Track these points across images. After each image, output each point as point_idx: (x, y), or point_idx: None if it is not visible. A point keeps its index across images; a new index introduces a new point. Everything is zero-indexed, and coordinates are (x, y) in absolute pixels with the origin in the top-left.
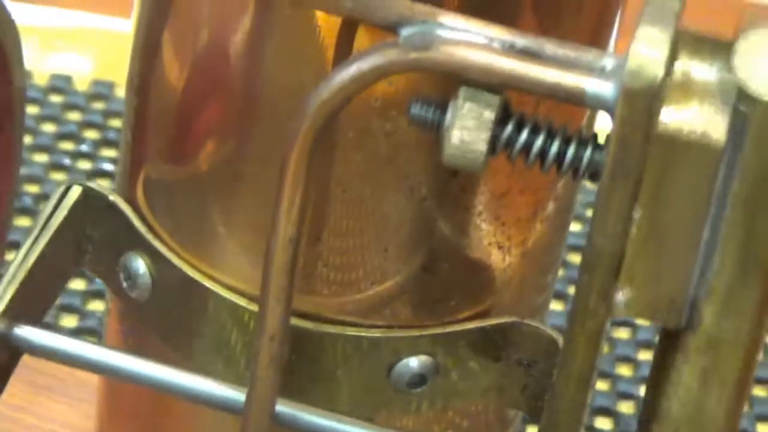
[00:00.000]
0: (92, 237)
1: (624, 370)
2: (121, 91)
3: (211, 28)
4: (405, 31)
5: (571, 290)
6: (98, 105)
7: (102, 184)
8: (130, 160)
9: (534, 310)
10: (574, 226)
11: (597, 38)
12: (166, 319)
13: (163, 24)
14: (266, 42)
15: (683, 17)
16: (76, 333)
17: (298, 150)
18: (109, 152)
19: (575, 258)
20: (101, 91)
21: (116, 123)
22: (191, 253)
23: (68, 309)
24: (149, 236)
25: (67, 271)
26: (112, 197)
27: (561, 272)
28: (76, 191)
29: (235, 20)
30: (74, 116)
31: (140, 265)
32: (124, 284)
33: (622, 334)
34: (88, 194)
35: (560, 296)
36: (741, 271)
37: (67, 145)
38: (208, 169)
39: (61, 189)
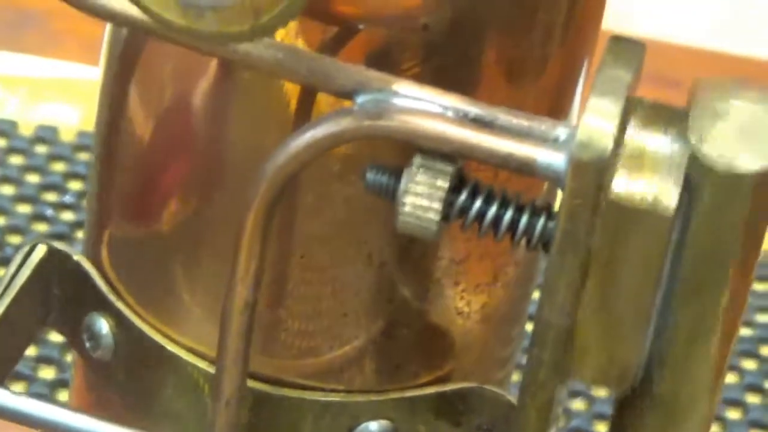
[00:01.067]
0: (57, 296)
1: (601, 428)
2: None
3: (174, 90)
4: (360, 99)
5: None
6: (83, 156)
7: (77, 238)
8: (95, 220)
9: (497, 374)
10: None
11: (558, 102)
12: (128, 379)
13: (127, 83)
14: (227, 105)
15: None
16: (54, 385)
17: (254, 216)
18: None
19: None
20: (87, 141)
21: None
22: (153, 315)
23: (46, 360)
24: (112, 297)
25: (31, 330)
26: (76, 257)
27: None
28: (40, 250)
29: (197, 83)
30: (59, 167)
31: (103, 325)
32: (87, 344)
33: (601, 391)
34: (52, 253)
35: None
36: (693, 340)
37: (51, 196)
38: (171, 232)
39: (26, 248)
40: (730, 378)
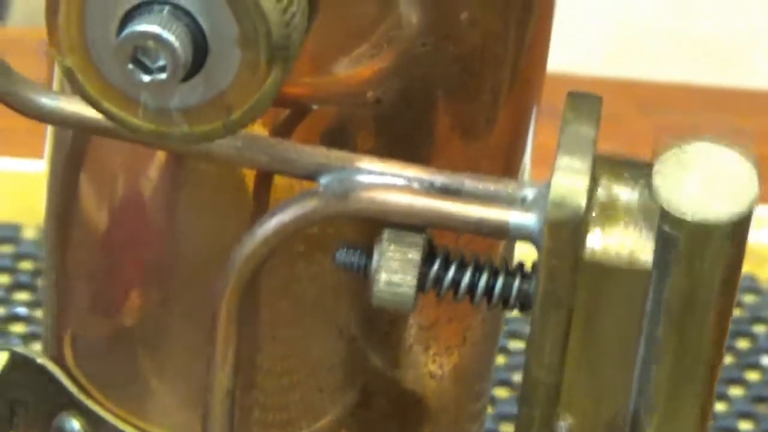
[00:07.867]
0: (23, 401)
1: None
2: (28, 233)
3: (128, 185)
4: (324, 179)
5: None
6: (6, 248)
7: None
8: (55, 319)
9: (470, 428)
10: None
11: (512, 156)
12: None
13: (78, 180)
14: (183, 196)
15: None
16: None
17: (227, 306)
18: (22, 296)
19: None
20: (8, 234)
21: (26, 265)
22: (125, 409)
23: None
24: (81, 396)
25: None
26: (40, 360)
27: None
28: (2, 357)
29: (151, 176)
30: None
31: (74, 425)
32: None
33: None
34: (15, 359)
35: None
36: (677, 387)
37: None
38: (136, 326)
39: None
40: None
